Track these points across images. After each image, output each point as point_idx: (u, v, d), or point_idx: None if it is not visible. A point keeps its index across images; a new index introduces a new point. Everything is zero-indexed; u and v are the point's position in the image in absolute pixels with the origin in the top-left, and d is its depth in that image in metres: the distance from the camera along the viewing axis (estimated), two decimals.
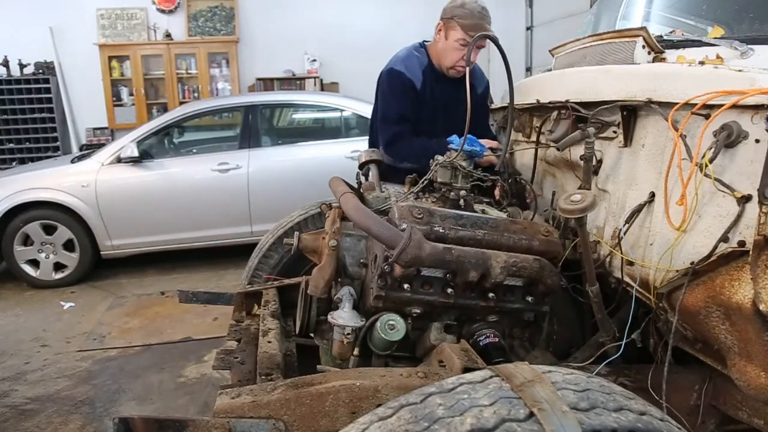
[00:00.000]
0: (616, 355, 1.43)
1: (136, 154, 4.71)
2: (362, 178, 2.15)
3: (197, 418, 1.11)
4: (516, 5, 8.62)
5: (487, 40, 1.96)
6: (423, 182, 1.74)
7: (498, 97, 2.47)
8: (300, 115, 5.76)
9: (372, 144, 2.62)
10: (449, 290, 1.45)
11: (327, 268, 1.61)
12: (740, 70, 1.23)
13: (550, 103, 1.88)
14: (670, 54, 1.65)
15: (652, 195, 1.42)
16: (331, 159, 4.79)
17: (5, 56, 7.55)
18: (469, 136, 1.70)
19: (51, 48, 7.69)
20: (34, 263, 4.74)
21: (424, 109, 2.37)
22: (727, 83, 1.20)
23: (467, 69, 1.83)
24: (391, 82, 2.37)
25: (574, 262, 1.60)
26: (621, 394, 0.90)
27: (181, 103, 7.52)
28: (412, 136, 2.34)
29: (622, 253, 1.47)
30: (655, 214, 1.40)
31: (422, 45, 2.44)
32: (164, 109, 7.60)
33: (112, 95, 7.88)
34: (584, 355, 1.56)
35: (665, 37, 1.75)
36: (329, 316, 1.52)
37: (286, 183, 4.86)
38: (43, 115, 7.66)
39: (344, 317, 1.49)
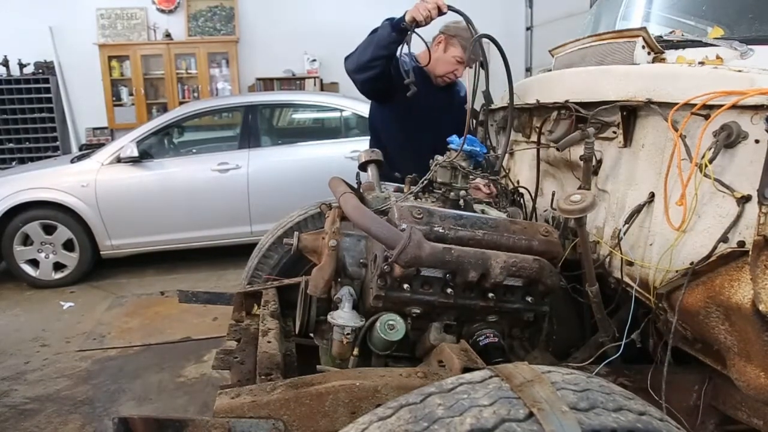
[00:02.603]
0: (615, 355, 1.43)
1: (135, 154, 4.72)
2: (362, 178, 2.14)
3: (197, 418, 1.11)
4: (516, 5, 8.63)
5: (486, 40, 1.97)
6: (423, 182, 1.74)
7: (498, 97, 2.46)
8: (300, 115, 5.76)
9: (373, 144, 2.62)
10: (449, 290, 1.44)
11: (327, 268, 1.61)
12: (740, 71, 1.23)
13: (550, 103, 1.88)
14: (670, 54, 1.65)
15: (652, 195, 1.41)
16: (331, 159, 4.80)
17: (5, 56, 7.55)
18: (469, 136, 1.70)
19: (51, 48, 7.68)
20: (34, 263, 4.74)
21: (403, 102, 2.38)
22: (727, 83, 1.19)
23: (476, 74, 1.96)
24: None
25: (574, 262, 1.60)
26: (620, 394, 0.90)
27: (181, 103, 7.52)
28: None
29: (621, 254, 1.47)
30: (655, 214, 1.40)
31: (410, 53, 2.47)
32: (164, 109, 7.59)
33: (112, 95, 7.88)
34: (584, 355, 1.56)
35: (665, 37, 1.75)
36: (329, 316, 1.52)
37: (286, 183, 4.86)
38: (43, 115, 7.66)
39: (344, 317, 1.49)
